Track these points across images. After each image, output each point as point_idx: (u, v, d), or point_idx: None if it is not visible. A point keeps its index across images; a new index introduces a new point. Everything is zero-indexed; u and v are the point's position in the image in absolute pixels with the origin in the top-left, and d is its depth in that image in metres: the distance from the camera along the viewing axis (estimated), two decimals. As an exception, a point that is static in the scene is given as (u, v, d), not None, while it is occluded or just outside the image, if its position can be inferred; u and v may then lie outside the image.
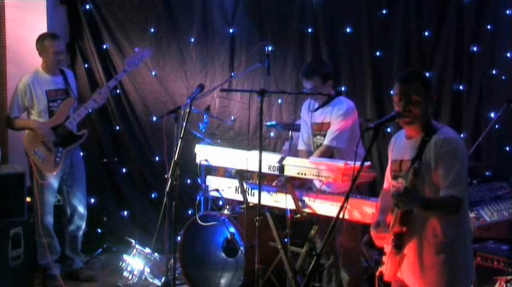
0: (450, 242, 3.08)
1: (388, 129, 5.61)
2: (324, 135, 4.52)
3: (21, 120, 5.30)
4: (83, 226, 5.55)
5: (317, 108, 4.71)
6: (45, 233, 5.21)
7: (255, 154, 4.10)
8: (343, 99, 4.64)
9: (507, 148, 5.54)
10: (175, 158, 4.21)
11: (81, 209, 5.48)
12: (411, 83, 3.13)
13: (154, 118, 6.29)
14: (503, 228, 4.44)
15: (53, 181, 5.29)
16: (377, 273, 3.30)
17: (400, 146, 3.25)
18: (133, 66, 5.51)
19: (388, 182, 3.38)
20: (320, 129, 4.59)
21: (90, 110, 5.42)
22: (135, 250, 5.33)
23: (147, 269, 5.22)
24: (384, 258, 3.23)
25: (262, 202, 4.06)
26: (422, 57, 5.79)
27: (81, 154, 5.61)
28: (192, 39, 6.29)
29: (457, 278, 3.09)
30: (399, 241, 3.08)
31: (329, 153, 4.49)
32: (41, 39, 5.30)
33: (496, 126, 5.27)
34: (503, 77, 5.55)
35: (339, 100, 4.59)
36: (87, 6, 6.34)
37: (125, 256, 5.35)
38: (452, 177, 2.98)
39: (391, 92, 5.59)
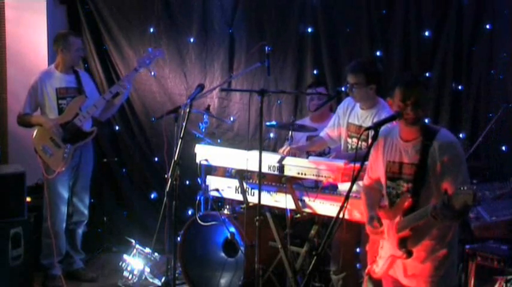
0: (452, 238, 3.24)
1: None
2: (360, 139, 3.91)
3: (32, 116, 5.32)
4: (84, 222, 5.55)
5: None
6: (54, 233, 5.19)
7: (255, 153, 4.10)
8: (387, 105, 4.06)
9: (503, 148, 5.55)
10: (175, 158, 4.21)
11: (82, 205, 5.48)
12: (416, 87, 3.18)
13: (153, 119, 6.29)
14: (503, 228, 4.43)
15: (64, 177, 5.29)
16: (366, 272, 3.43)
17: (395, 147, 3.28)
18: (145, 65, 5.48)
19: (371, 179, 3.47)
20: (358, 132, 4.20)
21: (119, 104, 5.54)
22: (135, 250, 5.33)
23: (147, 269, 5.23)
24: (378, 258, 3.32)
25: (262, 202, 4.06)
26: (422, 57, 5.78)
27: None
28: (192, 40, 6.28)
29: (453, 269, 3.29)
30: (404, 244, 3.16)
31: None
32: (63, 37, 5.31)
33: (493, 126, 5.28)
34: (501, 77, 5.56)
35: (384, 105, 4.18)
36: (87, 7, 6.34)
37: (125, 256, 5.36)
38: (460, 182, 3.03)
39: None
